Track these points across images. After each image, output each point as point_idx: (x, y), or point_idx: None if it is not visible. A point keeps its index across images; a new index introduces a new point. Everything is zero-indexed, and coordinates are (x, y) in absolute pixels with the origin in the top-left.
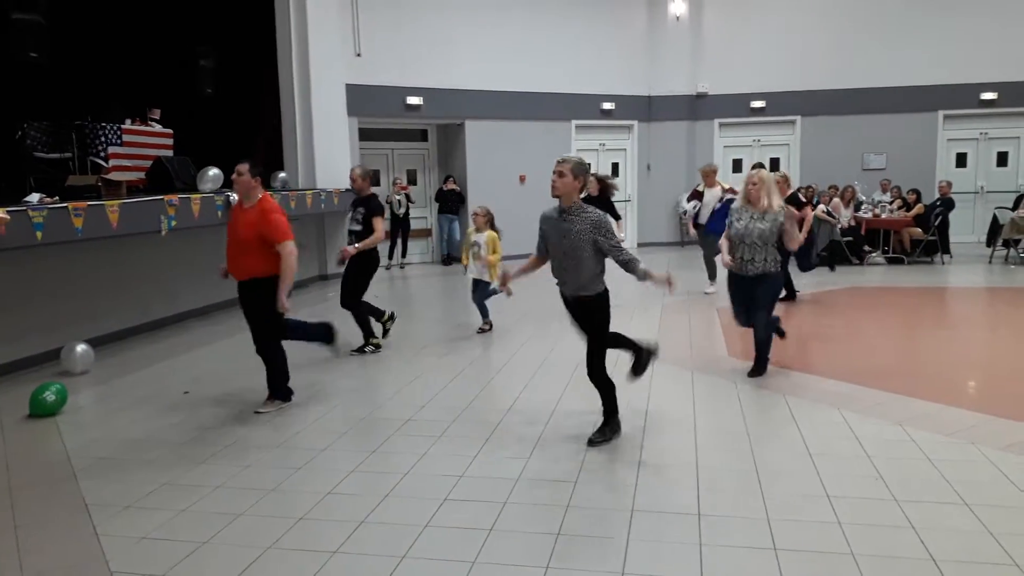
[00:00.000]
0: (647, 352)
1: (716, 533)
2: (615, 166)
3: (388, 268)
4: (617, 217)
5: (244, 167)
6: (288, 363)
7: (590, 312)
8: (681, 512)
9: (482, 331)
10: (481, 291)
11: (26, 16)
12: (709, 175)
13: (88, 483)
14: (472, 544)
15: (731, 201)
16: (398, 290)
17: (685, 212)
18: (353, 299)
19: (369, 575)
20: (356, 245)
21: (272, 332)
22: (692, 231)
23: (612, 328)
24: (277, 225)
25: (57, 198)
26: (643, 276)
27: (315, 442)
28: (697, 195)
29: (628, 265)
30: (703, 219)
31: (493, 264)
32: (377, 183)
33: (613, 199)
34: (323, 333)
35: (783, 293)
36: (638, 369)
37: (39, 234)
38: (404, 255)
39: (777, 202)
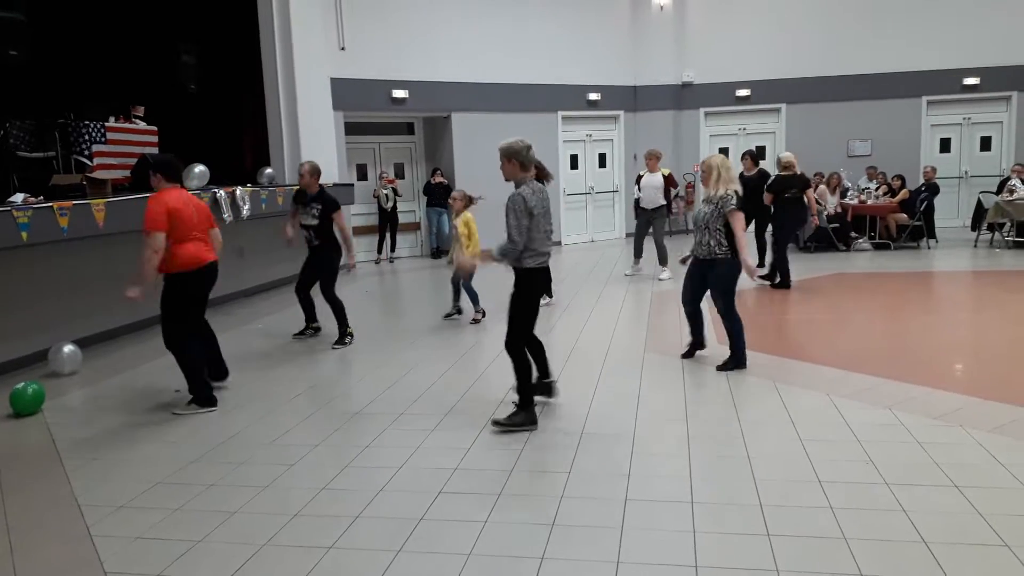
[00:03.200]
0: (526, 417)
1: (709, 520)
2: (602, 156)
3: (378, 263)
4: None
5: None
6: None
7: (514, 285)
8: (674, 500)
9: (475, 321)
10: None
11: (5, 14)
12: (651, 160)
13: (80, 483)
14: (468, 536)
15: (676, 197)
16: (388, 284)
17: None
18: (328, 291)
19: (365, 570)
20: (351, 255)
21: (170, 330)
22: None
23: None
24: (145, 213)
25: (42, 198)
26: (500, 258)
27: (308, 438)
28: (641, 179)
29: (508, 240)
30: (645, 203)
31: (473, 254)
32: (364, 177)
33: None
34: (194, 388)
35: (777, 279)
36: (507, 422)
37: (24, 235)
38: (393, 249)
39: (724, 189)
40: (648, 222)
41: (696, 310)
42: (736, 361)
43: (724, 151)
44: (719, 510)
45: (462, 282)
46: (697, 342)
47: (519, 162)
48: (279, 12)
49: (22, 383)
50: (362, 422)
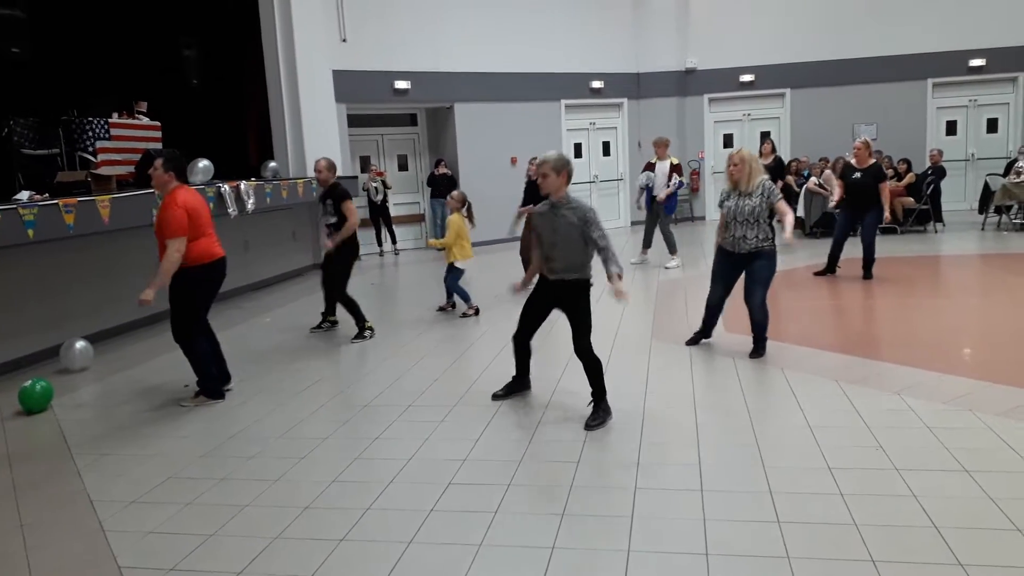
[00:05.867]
0: (606, 411)
1: (720, 508)
2: (606, 144)
3: (382, 255)
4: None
5: (159, 162)
6: (212, 360)
7: (574, 296)
8: (684, 489)
9: (465, 315)
10: (453, 275)
11: (6, 11)
12: (660, 147)
13: (92, 479)
14: (478, 527)
15: (680, 184)
16: (392, 276)
17: (642, 184)
18: (339, 290)
19: (376, 561)
20: (332, 239)
21: (180, 324)
22: (640, 206)
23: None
24: (170, 221)
25: (47, 195)
26: (611, 274)
27: (318, 431)
28: (651, 167)
29: (605, 254)
30: (657, 191)
31: (443, 246)
32: (365, 170)
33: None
34: (209, 383)
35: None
36: (596, 424)
37: (31, 232)
38: (394, 241)
39: (759, 179)
40: (657, 212)
41: (721, 305)
42: (764, 347)
43: (728, 138)
44: (729, 498)
45: (448, 283)
46: (707, 333)
47: (568, 174)
48: (280, 5)
49: (30, 380)
50: (371, 414)
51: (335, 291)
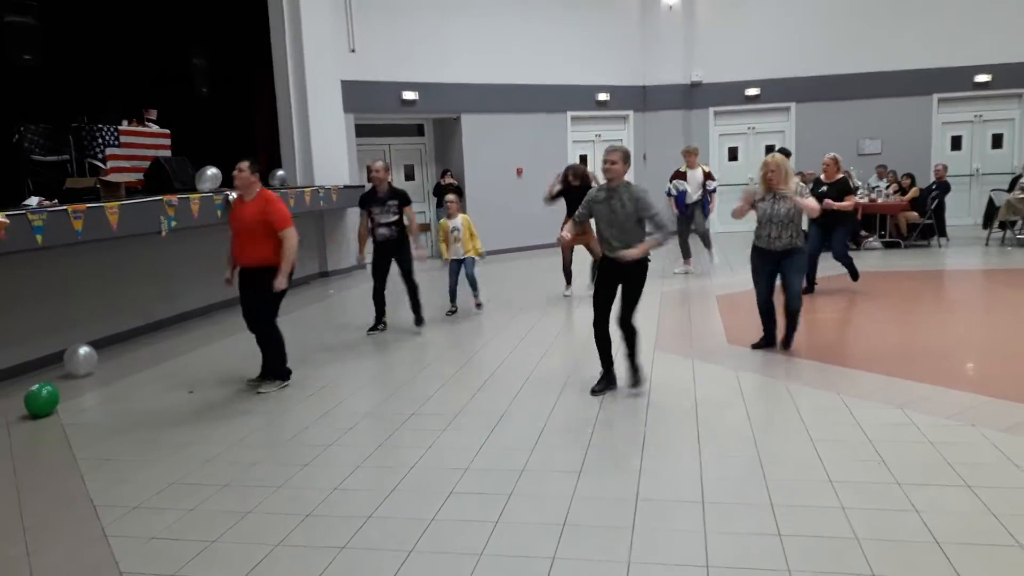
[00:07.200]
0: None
1: (721, 520)
2: None
3: None
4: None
5: (244, 164)
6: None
7: (633, 273)
8: (685, 500)
9: (478, 306)
10: (467, 267)
11: (19, 19)
12: (691, 155)
13: (95, 484)
14: (479, 536)
15: (713, 191)
16: (397, 284)
17: (671, 193)
18: (410, 279)
19: (378, 570)
20: (417, 246)
21: (269, 315)
22: (675, 210)
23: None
24: (282, 213)
25: (56, 201)
26: (654, 238)
27: (321, 438)
28: (680, 175)
29: (659, 227)
30: (690, 199)
31: (476, 250)
32: (369, 179)
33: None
34: (280, 367)
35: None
36: (636, 379)
37: (39, 238)
38: None
39: (793, 182)
40: (690, 217)
41: (771, 306)
42: (792, 338)
43: (733, 151)
44: (731, 510)
45: (465, 272)
46: (771, 340)
47: (629, 166)
48: (290, 15)
49: (36, 385)
50: (374, 422)
51: (409, 277)
